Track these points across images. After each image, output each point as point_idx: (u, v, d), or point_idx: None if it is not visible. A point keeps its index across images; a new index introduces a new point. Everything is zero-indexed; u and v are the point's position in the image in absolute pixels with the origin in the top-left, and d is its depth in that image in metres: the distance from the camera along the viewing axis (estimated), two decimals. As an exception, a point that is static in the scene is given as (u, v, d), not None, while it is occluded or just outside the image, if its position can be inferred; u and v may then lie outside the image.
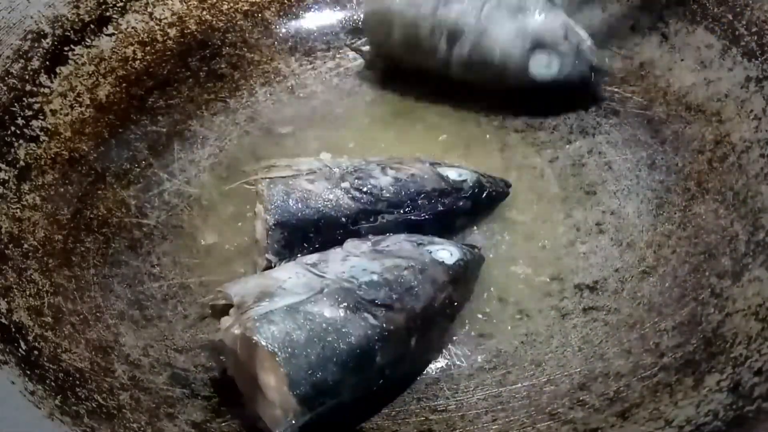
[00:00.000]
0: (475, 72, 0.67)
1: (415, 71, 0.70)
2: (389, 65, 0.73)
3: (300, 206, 0.54)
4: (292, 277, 0.49)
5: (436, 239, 0.56)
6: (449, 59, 0.67)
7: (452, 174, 0.59)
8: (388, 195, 0.56)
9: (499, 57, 0.65)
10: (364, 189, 0.56)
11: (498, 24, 0.65)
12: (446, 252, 0.53)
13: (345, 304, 0.47)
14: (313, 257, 0.52)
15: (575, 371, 0.52)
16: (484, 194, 0.60)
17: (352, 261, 0.51)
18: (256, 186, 0.56)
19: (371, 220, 0.56)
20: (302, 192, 0.54)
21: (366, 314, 0.47)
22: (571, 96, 0.68)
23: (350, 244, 0.53)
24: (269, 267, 0.54)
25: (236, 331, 0.46)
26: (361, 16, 0.75)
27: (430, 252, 0.53)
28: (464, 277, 0.54)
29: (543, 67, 0.65)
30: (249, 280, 0.51)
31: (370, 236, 0.55)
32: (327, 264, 0.51)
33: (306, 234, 0.54)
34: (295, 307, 0.46)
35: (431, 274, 0.51)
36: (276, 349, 0.44)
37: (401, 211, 0.56)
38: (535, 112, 0.69)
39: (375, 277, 0.49)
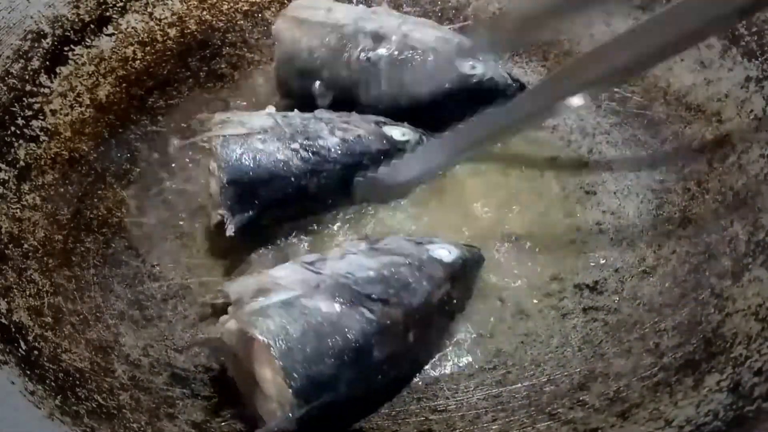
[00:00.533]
0: (405, 73, 0.63)
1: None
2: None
3: (252, 165, 0.57)
4: (290, 274, 0.50)
5: (435, 239, 0.56)
6: (378, 63, 0.63)
7: (396, 134, 0.62)
8: (335, 156, 0.59)
9: (428, 53, 0.63)
10: (313, 149, 0.58)
11: (421, 31, 0.65)
12: (444, 250, 0.54)
13: (341, 298, 0.47)
14: (311, 256, 0.52)
15: (575, 371, 0.52)
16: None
17: (350, 258, 0.51)
18: (210, 143, 0.57)
19: (317, 178, 0.58)
20: (254, 152, 0.57)
21: (362, 308, 0.47)
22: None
23: (348, 243, 0.54)
24: (222, 222, 0.56)
25: (233, 326, 0.46)
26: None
27: (428, 250, 0.53)
28: (463, 275, 0.55)
29: (469, 68, 0.65)
30: (248, 278, 0.51)
31: (368, 235, 0.55)
32: (325, 262, 0.51)
33: (256, 191, 0.57)
34: (290, 301, 0.46)
35: (428, 272, 0.52)
36: (271, 342, 0.44)
37: (346, 170, 0.60)
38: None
39: (372, 273, 0.50)
